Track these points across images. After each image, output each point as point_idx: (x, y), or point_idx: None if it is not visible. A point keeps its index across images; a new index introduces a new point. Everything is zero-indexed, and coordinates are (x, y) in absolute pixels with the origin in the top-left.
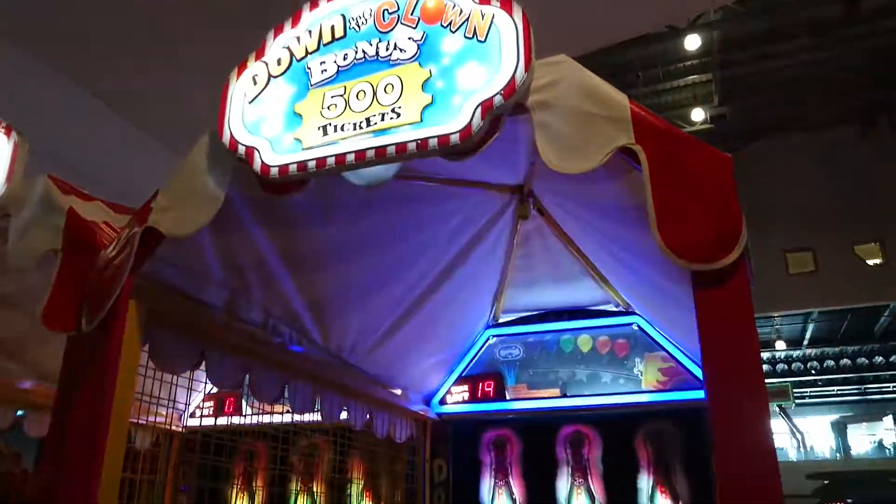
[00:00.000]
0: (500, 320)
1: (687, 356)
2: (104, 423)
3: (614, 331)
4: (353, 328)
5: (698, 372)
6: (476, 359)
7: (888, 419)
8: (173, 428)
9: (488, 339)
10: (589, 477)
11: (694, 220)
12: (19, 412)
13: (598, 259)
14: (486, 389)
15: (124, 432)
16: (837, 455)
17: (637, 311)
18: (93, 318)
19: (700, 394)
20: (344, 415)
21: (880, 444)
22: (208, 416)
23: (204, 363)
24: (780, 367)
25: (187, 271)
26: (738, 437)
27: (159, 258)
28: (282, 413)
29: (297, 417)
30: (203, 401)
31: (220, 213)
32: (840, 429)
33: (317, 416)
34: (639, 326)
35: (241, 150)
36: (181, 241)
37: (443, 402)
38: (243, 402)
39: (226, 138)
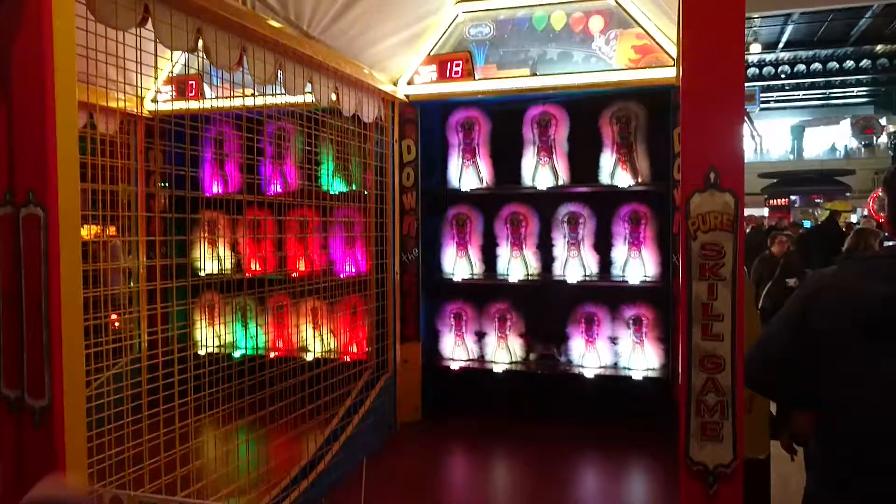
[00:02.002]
0: None
1: (663, 34)
2: (48, 80)
3: (590, 5)
4: None
5: (673, 50)
6: (444, 38)
7: (845, 123)
8: (135, 111)
9: (457, 16)
10: (554, 155)
11: None
12: None
13: None
14: (455, 69)
15: (73, 101)
16: (791, 157)
17: None
18: None
19: (671, 72)
20: (308, 98)
21: (832, 148)
22: (170, 100)
23: (150, 21)
24: (751, 71)
25: None
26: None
27: None
28: (244, 97)
29: (260, 101)
30: (163, 84)
31: None
32: (798, 132)
33: (282, 98)
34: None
35: None
36: None
37: (410, 82)
38: (205, 87)
39: None
